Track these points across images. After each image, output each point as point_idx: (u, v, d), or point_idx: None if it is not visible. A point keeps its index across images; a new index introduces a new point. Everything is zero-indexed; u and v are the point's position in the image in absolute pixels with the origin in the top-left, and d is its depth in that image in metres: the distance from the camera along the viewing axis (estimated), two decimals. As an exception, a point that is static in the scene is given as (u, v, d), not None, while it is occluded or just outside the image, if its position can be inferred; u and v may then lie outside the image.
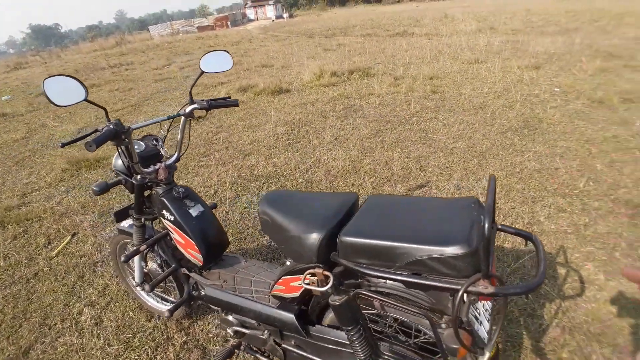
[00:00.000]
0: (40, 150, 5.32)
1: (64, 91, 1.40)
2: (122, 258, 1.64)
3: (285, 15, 40.89)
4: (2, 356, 2.05)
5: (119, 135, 1.42)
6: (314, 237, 1.18)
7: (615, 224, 2.55)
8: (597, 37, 9.25)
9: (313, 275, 1.19)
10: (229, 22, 37.99)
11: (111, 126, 1.40)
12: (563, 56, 7.34)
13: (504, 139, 3.93)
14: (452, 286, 0.95)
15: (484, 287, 0.91)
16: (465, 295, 0.92)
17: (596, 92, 5.01)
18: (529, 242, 1.12)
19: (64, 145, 1.39)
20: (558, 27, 11.50)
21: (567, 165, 3.32)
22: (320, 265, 1.20)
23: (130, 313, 2.23)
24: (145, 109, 6.68)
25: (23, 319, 2.31)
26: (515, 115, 4.53)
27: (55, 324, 2.24)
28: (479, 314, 1.13)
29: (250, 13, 48.48)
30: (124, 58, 15.27)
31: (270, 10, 45.63)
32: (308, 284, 1.19)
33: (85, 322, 2.21)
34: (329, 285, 1.14)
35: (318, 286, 1.17)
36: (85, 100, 1.45)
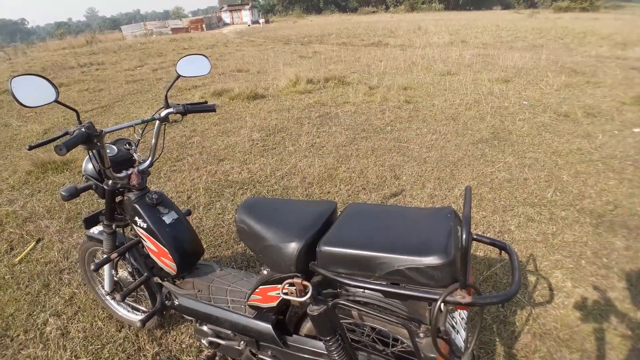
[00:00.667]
0: (3, 151, 5.09)
1: (33, 91, 1.34)
2: (92, 266, 1.58)
3: (261, 20, 40.77)
4: (-42, 369, 1.94)
5: (90, 138, 1.37)
6: (293, 247, 1.18)
7: (580, 233, 2.66)
8: (562, 54, 9.68)
9: (291, 285, 1.18)
10: (204, 25, 37.57)
11: (83, 129, 1.35)
12: (530, 71, 7.63)
13: (475, 149, 4.04)
14: (431, 296, 0.97)
15: (461, 296, 0.93)
16: (443, 304, 0.94)
17: (561, 106, 5.23)
18: (502, 251, 1.16)
19: (31, 147, 1.33)
20: (525, 43, 11.97)
21: (536, 175, 3.44)
22: (299, 274, 1.19)
23: (99, 323, 2.15)
24: (116, 111, 6.51)
25: (-18, 330, 2.19)
26: (486, 126, 4.67)
27: (18, 335, 2.13)
28: (456, 323, 1.15)
29: (226, 17, 48.09)
30: (95, 57, 14.83)
31: (246, 15, 45.42)
32: (286, 294, 1.18)
33: (51, 333, 2.11)
34: (308, 295, 1.13)
35: (297, 296, 1.16)
36: (56, 101, 1.40)
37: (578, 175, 3.42)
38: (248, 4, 48.07)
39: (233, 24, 45.06)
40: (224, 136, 4.83)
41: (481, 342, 1.88)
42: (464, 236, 0.88)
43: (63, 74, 10.83)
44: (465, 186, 1.07)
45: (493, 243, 1.18)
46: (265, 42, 17.31)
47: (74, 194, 1.51)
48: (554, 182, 3.33)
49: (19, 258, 2.78)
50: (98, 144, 1.40)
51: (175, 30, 34.85)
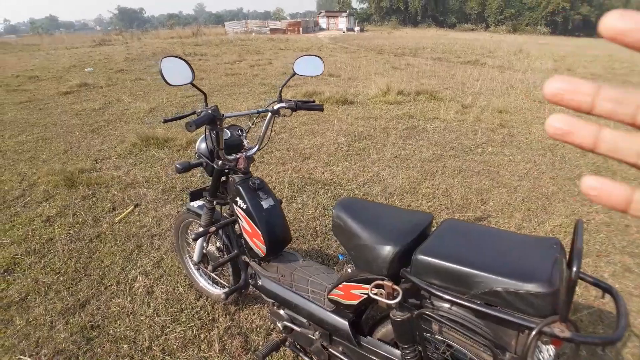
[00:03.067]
0: (114, 122, 5.68)
1: (175, 72, 1.50)
2: (193, 235, 1.72)
3: (357, 28, 41.23)
4: (61, 304, 2.20)
5: (214, 120, 1.50)
6: (388, 250, 1.19)
7: (688, 295, 2.36)
8: (687, 96, 8.65)
9: (380, 287, 1.19)
10: (300, 28, 38.91)
11: (209, 111, 1.48)
12: (646, 110, 6.92)
13: (572, 185, 3.75)
14: (528, 324, 0.93)
15: (560, 330, 0.89)
16: (538, 335, 0.90)
17: (681, 153, 4.68)
18: (607, 294, 1.08)
19: (166, 121, 1.49)
20: (643, 79, 10.87)
21: (640, 224, 3.12)
22: (387, 278, 1.20)
23: (181, 289, 2.32)
24: (213, 100, 6.96)
25: (83, 275, 2.46)
26: (587, 163, 4.32)
27: (111, 285, 2.37)
28: (543, 358, 1.09)
29: (322, 22, 49.41)
30: (199, 49, 16.00)
31: (342, 22, 46.22)
32: (375, 294, 1.19)
33: (139, 289, 2.32)
34: (398, 299, 1.14)
35: (385, 298, 1.18)
36: (191, 83, 1.55)
37: (693, 232, 3.04)
38: (345, 11, 48.93)
39: (329, 29, 46.14)
40: (311, 136, 4.97)
41: (560, 389, 1.75)
42: (574, 269, 0.84)
43: (171, 60, 11.77)
44: (577, 219, 1.02)
45: (597, 284, 1.10)
46: (359, 49, 17.49)
47: (187, 167, 1.66)
48: (662, 234, 2.99)
49: (118, 218, 3.09)
50: (219, 126, 1.53)
51: (273, 31, 36.48)
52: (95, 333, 2.03)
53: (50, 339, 1.99)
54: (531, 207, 3.30)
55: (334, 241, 2.76)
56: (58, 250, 2.68)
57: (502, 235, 1.22)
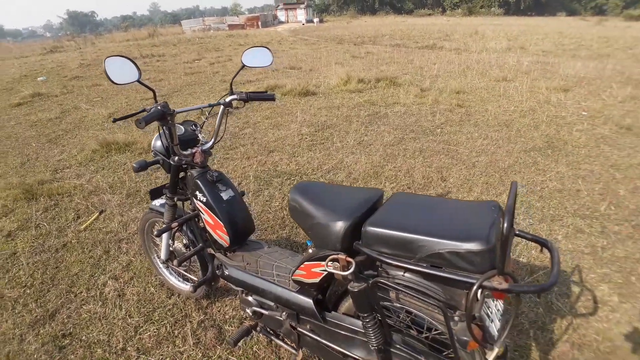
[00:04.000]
0: (73, 131, 5.52)
1: (121, 71, 1.51)
2: (155, 232, 1.74)
3: (316, 20, 41.04)
4: (30, 317, 2.17)
5: (165, 116, 1.52)
6: (340, 226, 1.26)
7: (634, 249, 2.55)
8: (630, 65, 9.13)
9: (335, 260, 1.26)
10: (259, 23, 38.42)
11: (159, 107, 1.50)
12: (593, 81, 7.27)
13: (527, 157, 3.94)
14: (469, 280, 1.02)
15: (498, 282, 0.97)
16: (479, 290, 0.98)
17: (625, 119, 4.97)
18: (544, 248, 1.18)
19: (115, 120, 1.50)
20: (590, 52, 11.37)
21: (589, 188, 3.32)
22: (343, 252, 1.27)
23: (152, 289, 2.33)
24: (174, 100, 6.86)
25: (51, 285, 2.43)
26: (540, 135, 4.53)
27: (81, 292, 2.35)
28: (491, 312, 1.18)
29: (281, 15, 48.87)
30: (156, 49, 15.60)
31: (301, 14, 45.86)
32: (332, 268, 1.26)
33: (109, 294, 2.32)
34: (351, 270, 1.21)
35: (340, 271, 1.24)
36: (138, 81, 1.56)
37: (636, 191, 3.26)
38: (303, 3, 48.59)
39: (288, 22, 45.71)
40: (275, 129, 4.99)
41: (516, 345, 1.87)
42: (505, 225, 0.92)
43: (128, 63, 11.45)
44: (512, 182, 1.11)
45: (535, 239, 1.20)
46: (319, 41, 17.48)
47: (143, 166, 1.67)
48: (609, 195, 3.19)
49: (84, 226, 3.05)
50: (170, 122, 1.55)
51: (231, 27, 35.84)
52: (68, 341, 2.02)
53: (21, 351, 1.97)
54: (489, 181, 3.46)
55: (301, 229, 2.82)
56: (23, 264, 2.63)
57: (445, 203, 1.31)
